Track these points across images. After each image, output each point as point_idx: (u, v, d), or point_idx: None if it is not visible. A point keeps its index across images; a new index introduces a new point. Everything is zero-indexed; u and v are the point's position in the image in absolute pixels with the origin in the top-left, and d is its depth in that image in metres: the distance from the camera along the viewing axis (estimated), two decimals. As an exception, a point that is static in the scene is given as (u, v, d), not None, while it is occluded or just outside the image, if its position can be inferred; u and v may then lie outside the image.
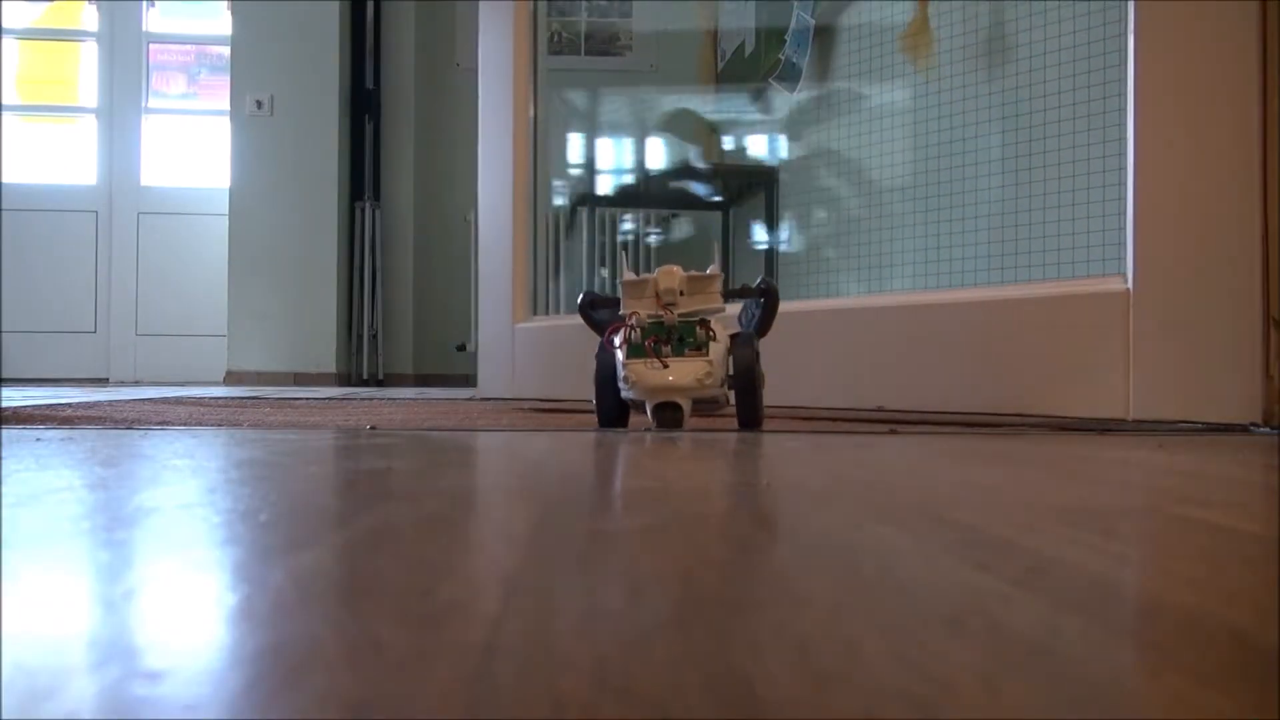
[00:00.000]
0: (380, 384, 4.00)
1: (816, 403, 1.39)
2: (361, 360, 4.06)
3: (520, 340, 1.88)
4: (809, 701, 0.18)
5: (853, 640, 0.22)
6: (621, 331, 0.93)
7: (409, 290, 4.17)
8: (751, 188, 3.65)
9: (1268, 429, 1.01)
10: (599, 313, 1.02)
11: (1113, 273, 1.15)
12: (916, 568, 0.31)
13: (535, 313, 1.95)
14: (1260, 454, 0.77)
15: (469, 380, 4.30)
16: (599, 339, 0.99)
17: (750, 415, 0.96)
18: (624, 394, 0.93)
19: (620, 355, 0.92)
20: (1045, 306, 1.19)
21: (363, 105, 4.05)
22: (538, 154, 2.06)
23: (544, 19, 2.11)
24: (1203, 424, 1.05)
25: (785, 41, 3.25)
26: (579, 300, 1.06)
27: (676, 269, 0.94)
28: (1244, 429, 1.02)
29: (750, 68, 3.72)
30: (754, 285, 1.01)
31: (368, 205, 4.04)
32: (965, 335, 1.26)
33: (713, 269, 0.96)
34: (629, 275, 0.95)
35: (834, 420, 1.26)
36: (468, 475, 0.58)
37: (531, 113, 2.04)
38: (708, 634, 0.22)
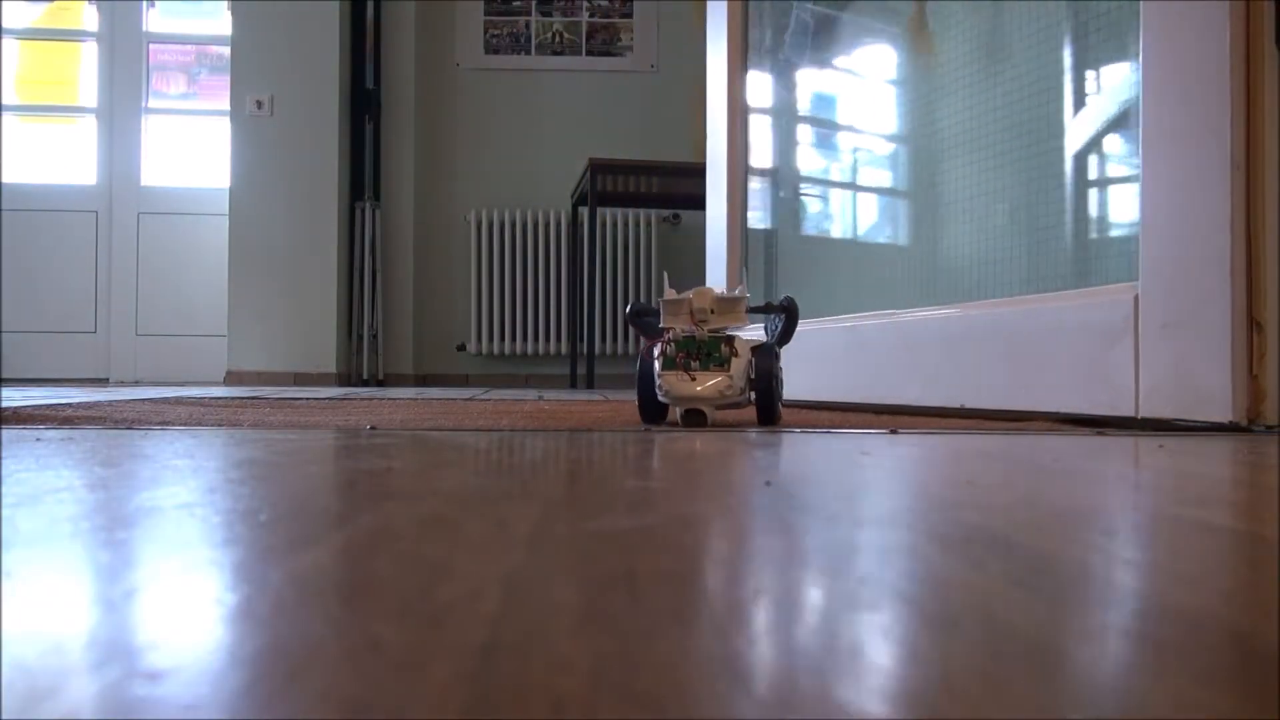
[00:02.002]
0: (380, 384, 4.00)
1: (917, 401, 1.53)
2: (361, 360, 4.06)
3: None
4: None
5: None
6: (659, 345, 1.08)
7: (409, 290, 4.18)
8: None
9: (1262, 427, 1.03)
10: (644, 319, 1.19)
11: (1125, 280, 1.18)
12: (914, 565, 0.31)
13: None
14: (1260, 454, 0.77)
15: (469, 380, 4.31)
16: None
17: (768, 414, 1.11)
18: (660, 397, 1.08)
19: (657, 366, 1.07)
20: (1069, 313, 1.24)
21: (363, 105, 4.05)
22: (745, 156, 2.18)
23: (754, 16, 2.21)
24: (1206, 423, 1.06)
25: (785, 41, 3.25)
26: (627, 310, 1.22)
27: (710, 290, 1.08)
28: (1244, 428, 1.03)
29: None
30: (777, 303, 1.17)
31: (368, 205, 4.04)
32: (1009, 340, 1.34)
33: (740, 290, 1.10)
34: (670, 294, 1.10)
35: (844, 413, 1.26)
36: (467, 475, 0.58)
37: (739, 120, 2.15)
38: (709, 632, 0.22)
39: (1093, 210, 1.36)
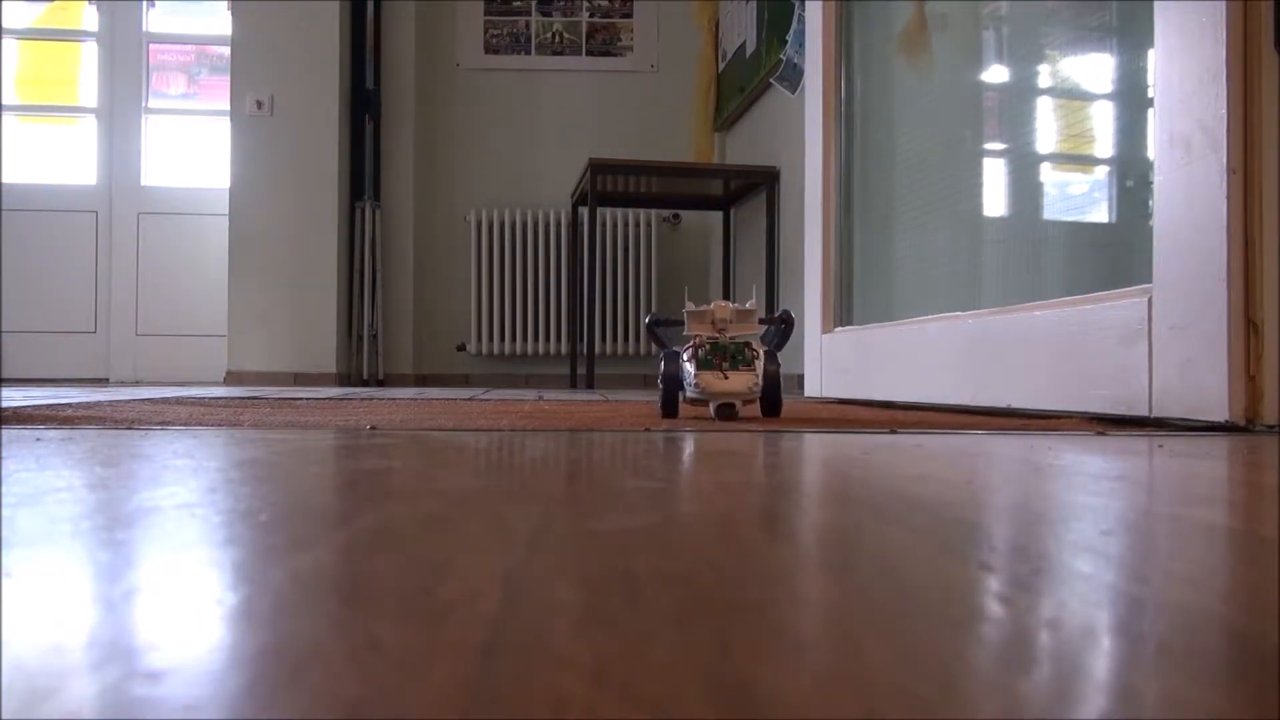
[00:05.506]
0: (380, 384, 4.00)
1: (971, 402, 1.58)
2: (361, 360, 4.06)
3: (826, 348, 2.18)
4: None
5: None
6: (690, 350, 1.24)
7: (409, 290, 4.17)
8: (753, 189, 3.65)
9: (1262, 427, 1.03)
10: (661, 329, 1.37)
11: (1141, 283, 1.20)
12: (916, 565, 0.31)
13: (839, 324, 2.19)
14: (1260, 453, 0.77)
15: (469, 380, 4.31)
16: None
17: (773, 409, 1.28)
18: (690, 394, 1.24)
19: (691, 367, 1.23)
20: (1095, 314, 1.25)
21: (363, 105, 4.05)
22: (842, 160, 2.21)
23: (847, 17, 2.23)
24: (1207, 423, 1.06)
25: (787, 41, 3.24)
26: (646, 320, 1.36)
27: (728, 303, 1.26)
28: (1242, 428, 1.03)
29: (751, 68, 3.72)
30: (777, 315, 1.35)
31: (368, 205, 4.04)
32: (1046, 342, 1.37)
33: (751, 303, 1.28)
34: (691, 306, 1.26)
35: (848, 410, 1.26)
36: (467, 475, 0.58)
37: (834, 127, 2.21)
38: (710, 637, 0.22)
39: (1132, 213, 1.37)
